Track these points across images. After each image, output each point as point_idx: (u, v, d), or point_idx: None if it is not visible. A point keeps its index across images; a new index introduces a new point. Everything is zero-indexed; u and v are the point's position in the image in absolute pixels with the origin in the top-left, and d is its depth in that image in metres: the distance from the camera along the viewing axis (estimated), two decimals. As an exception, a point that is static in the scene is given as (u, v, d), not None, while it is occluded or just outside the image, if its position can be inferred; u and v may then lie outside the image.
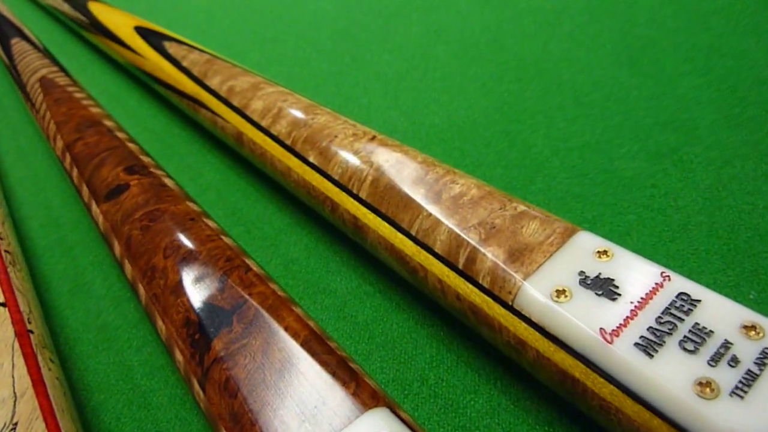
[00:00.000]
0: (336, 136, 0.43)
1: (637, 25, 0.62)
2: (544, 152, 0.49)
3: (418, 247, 0.35)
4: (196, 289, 0.35)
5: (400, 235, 0.36)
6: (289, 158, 0.45)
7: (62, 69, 0.74)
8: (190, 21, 0.96)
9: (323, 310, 0.42)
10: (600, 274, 0.29)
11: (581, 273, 0.29)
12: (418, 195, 0.36)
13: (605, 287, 0.28)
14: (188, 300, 0.34)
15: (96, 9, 0.88)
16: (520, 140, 0.51)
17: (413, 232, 0.35)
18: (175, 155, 0.63)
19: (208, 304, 0.33)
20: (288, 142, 0.46)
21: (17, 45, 0.86)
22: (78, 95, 0.65)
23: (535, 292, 0.29)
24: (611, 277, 0.29)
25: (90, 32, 0.88)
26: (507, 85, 0.58)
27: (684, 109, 0.50)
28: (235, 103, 0.52)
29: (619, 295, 0.28)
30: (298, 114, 0.47)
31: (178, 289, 0.35)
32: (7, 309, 0.40)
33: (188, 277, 0.35)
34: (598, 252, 0.30)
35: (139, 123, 0.71)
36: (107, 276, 0.51)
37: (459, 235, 0.33)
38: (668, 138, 0.48)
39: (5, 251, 0.48)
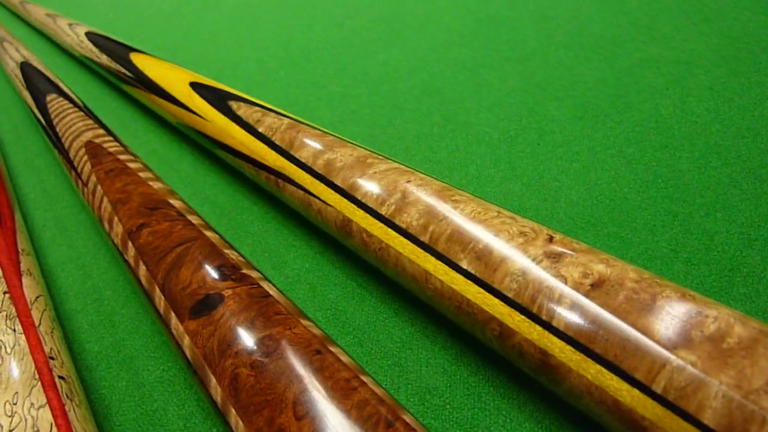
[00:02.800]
0: (496, 235, 0.33)
1: (791, 78, 0.52)
2: (732, 243, 0.39)
3: (670, 412, 0.25)
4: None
5: (635, 392, 0.26)
6: (427, 260, 0.35)
7: (109, 132, 0.65)
8: (240, 72, 0.87)
9: (492, 472, 0.31)
10: None
11: None
12: (654, 333, 0.26)
13: None
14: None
15: (141, 62, 0.80)
16: (695, 225, 0.41)
17: (658, 390, 0.25)
18: (247, 236, 0.53)
19: None
20: (424, 239, 0.36)
21: (54, 102, 0.77)
22: (133, 165, 0.56)
23: None
24: None
25: (133, 87, 0.80)
26: (652, 153, 0.48)
27: None
28: (339, 182, 0.43)
29: None
30: (432, 201, 0.37)
31: (329, 475, 0.25)
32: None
33: (342, 456, 0.25)
34: None
35: (197, 193, 0.62)
36: (182, 401, 0.40)
37: (743, 404, 0.23)
38: None
39: (59, 378, 0.38)
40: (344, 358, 0.31)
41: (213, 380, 0.32)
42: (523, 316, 0.30)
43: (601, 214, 0.44)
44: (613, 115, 0.54)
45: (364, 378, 0.30)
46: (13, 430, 0.32)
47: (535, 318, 0.30)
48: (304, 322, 0.34)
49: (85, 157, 0.59)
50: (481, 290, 0.32)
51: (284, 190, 0.48)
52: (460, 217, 0.35)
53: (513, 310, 0.31)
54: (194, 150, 0.70)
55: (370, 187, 0.41)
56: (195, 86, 0.66)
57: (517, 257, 0.32)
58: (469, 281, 0.33)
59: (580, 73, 0.61)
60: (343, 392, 0.28)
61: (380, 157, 0.44)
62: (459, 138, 0.57)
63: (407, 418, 0.28)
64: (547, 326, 0.29)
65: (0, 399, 0.35)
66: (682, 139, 0.49)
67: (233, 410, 0.30)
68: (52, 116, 0.74)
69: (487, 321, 0.32)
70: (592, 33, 0.67)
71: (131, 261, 0.44)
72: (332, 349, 0.32)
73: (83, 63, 1.11)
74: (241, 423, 0.29)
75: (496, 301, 0.31)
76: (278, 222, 0.54)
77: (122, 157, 0.58)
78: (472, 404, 0.35)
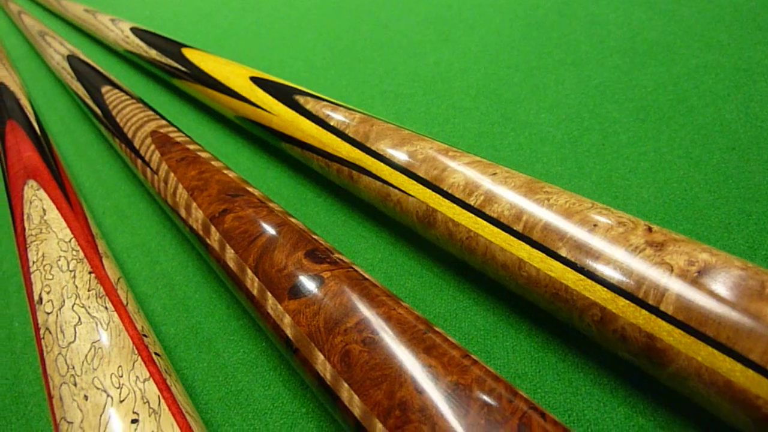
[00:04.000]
0: (595, 225, 0.34)
1: None
2: (810, 241, 0.40)
3: (788, 393, 0.26)
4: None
5: (749, 372, 0.27)
6: (521, 248, 0.36)
7: (171, 123, 0.67)
8: (288, 70, 0.89)
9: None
10: None
11: None
12: (764, 317, 0.27)
13: None
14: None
15: (194, 57, 0.82)
16: (770, 224, 0.42)
17: (776, 371, 0.26)
18: (316, 227, 0.54)
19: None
20: (518, 228, 0.37)
21: (110, 94, 0.79)
22: (204, 155, 0.57)
23: None
24: None
25: (186, 81, 0.82)
26: (719, 154, 0.49)
27: None
28: (421, 173, 0.44)
29: None
30: (523, 192, 0.39)
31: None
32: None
33: (474, 425, 0.26)
34: None
35: (259, 186, 0.63)
36: (268, 382, 0.42)
37: None
38: None
39: (155, 354, 0.39)
40: (451, 338, 0.32)
41: (320, 357, 0.33)
42: (627, 301, 0.31)
43: (675, 213, 0.45)
44: (676, 118, 0.55)
45: (473, 357, 0.31)
46: (123, 400, 0.33)
47: (641, 303, 0.31)
48: (404, 305, 0.35)
49: (153, 146, 0.61)
50: (582, 277, 0.33)
51: (358, 182, 0.50)
52: (555, 207, 0.37)
53: (617, 295, 0.32)
54: (252, 143, 0.71)
55: (456, 178, 0.42)
56: (256, 81, 0.67)
57: (619, 245, 0.33)
58: (568, 268, 0.34)
59: (638, 78, 0.62)
60: (459, 368, 0.29)
61: (460, 151, 0.45)
62: (521, 137, 0.58)
63: (523, 394, 0.29)
64: (655, 311, 0.30)
65: (105, 371, 0.36)
66: (749, 143, 0.50)
67: (346, 384, 0.31)
68: (110, 107, 0.75)
69: (587, 307, 0.33)
70: (646, 39, 0.68)
71: (215, 245, 0.45)
72: (437, 329, 0.33)
73: (124, 58, 1.13)
74: (356, 397, 0.30)
75: (599, 287, 0.32)
76: (345, 214, 0.55)
77: (191, 147, 0.59)
78: (563, 389, 0.36)
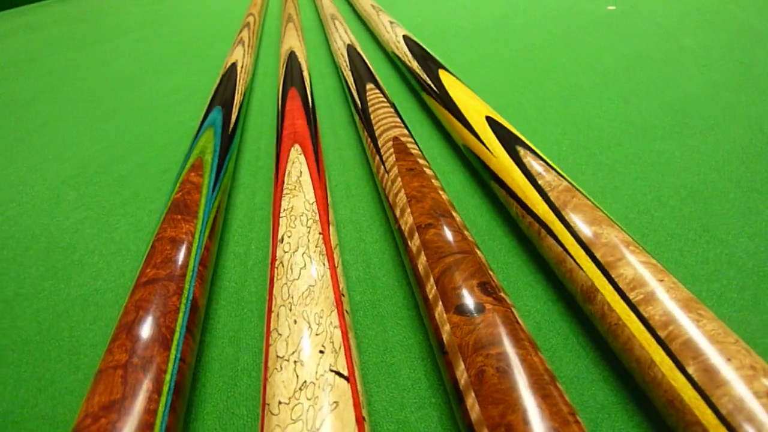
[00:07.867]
0: (729, 360, 0.39)
1: None
2: None
3: None
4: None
5: None
6: (657, 351, 0.42)
7: (410, 134, 0.80)
8: (522, 114, 0.98)
9: None
10: None
11: None
12: None
13: None
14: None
15: (447, 81, 0.95)
16: None
17: None
18: (492, 261, 0.63)
19: None
20: (661, 334, 0.42)
21: (372, 93, 0.95)
22: (428, 171, 0.69)
23: None
24: None
25: (432, 99, 0.95)
26: None
27: None
28: (599, 255, 0.51)
29: None
30: (679, 306, 0.44)
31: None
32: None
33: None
34: None
35: (461, 209, 0.73)
36: (415, 366, 0.52)
37: None
38: None
39: (345, 311, 0.51)
40: (566, 397, 0.40)
41: (462, 366, 0.43)
42: (734, 436, 0.36)
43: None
44: None
45: (579, 419, 0.38)
46: (318, 334, 0.46)
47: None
48: (540, 355, 0.43)
49: (391, 150, 0.74)
50: (699, 397, 0.38)
51: (543, 240, 0.57)
52: (700, 330, 0.41)
53: (721, 425, 0.36)
54: (467, 171, 0.82)
55: (625, 270, 0.48)
56: (490, 121, 0.78)
57: (740, 385, 0.37)
58: (689, 385, 0.39)
59: None
60: (562, 422, 0.37)
61: (640, 248, 0.51)
62: (710, 252, 0.61)
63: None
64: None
65: (312, 309, 0.49)
66: None
67: (473, 394, 0.40)
68: (369, 104, 0.91)
69: (693, 424, 0.38)
70: None
71: (413, 249, 0.56)
72: (558, 386, 0.40)
73: (388, 56, 1.30)
74: (477, 406, 0.39)
75: (709, 411, 0.37)
76: (521, 259, 0.63)
77: (420, 161, 0.71)
78: (649, 482, 0.41)
